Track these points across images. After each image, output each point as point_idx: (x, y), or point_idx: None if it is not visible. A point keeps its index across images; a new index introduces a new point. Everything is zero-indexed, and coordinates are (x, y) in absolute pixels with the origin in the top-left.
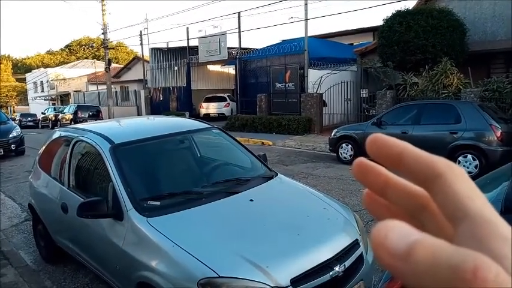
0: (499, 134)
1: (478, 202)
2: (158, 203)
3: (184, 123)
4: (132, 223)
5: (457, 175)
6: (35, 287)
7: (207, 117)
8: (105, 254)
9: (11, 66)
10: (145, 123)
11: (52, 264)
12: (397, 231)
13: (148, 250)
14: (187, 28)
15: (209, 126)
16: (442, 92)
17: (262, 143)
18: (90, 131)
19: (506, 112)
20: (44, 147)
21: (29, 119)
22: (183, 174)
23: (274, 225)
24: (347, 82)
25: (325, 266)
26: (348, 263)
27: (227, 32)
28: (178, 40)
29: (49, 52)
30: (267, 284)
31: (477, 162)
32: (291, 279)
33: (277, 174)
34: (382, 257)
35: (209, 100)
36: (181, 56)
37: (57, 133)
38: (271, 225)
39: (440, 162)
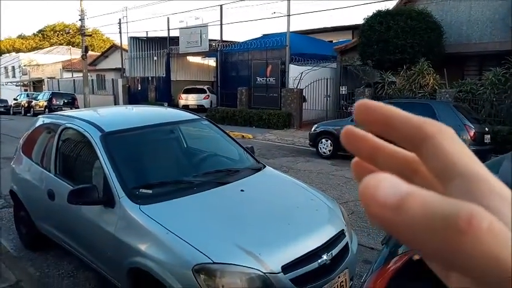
0: (472, 133)
1: (471, 161)
2: (150, 191)
3: (173, 113)
4: (124, 210)
5: (447, 136)
6: (18, 273)
7: (186, 109)
8: (94, 241)
9: None
10: (133, 113)
11: (34, 251)
12: (388, 183)
13: (142, 237)
14: (168, 18)
15: (198, 117)
16: (418, 92)
17: (243, 136)
18: (79, 119)
19: (479, 113)
20: (28, 134)
21: (0, 104)
22: (173, 164)
23: (266, 214)
24: (327, 79)
25: (314, 254)
26: (334, 251)
27: (209, 24)
28: (158, 30)
29: (21, 36)
30: (259, 270)
31: None
32: (282, 266)
33: (265, 166)
34: (372, 209)
35: (188, 91)
36: (161, 46)
37: (42, 120)
38: (263, 214)
39: (430, 124)
